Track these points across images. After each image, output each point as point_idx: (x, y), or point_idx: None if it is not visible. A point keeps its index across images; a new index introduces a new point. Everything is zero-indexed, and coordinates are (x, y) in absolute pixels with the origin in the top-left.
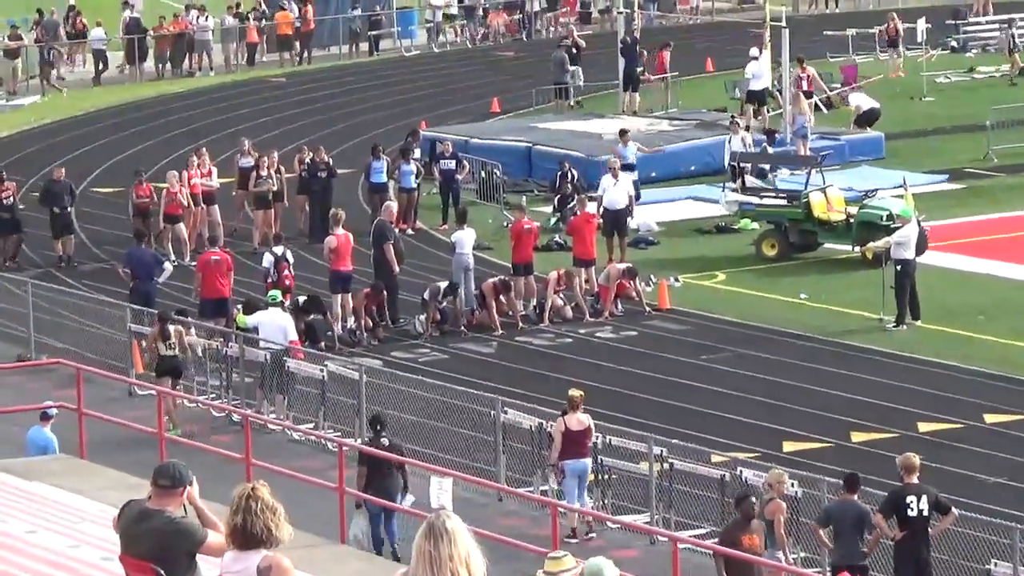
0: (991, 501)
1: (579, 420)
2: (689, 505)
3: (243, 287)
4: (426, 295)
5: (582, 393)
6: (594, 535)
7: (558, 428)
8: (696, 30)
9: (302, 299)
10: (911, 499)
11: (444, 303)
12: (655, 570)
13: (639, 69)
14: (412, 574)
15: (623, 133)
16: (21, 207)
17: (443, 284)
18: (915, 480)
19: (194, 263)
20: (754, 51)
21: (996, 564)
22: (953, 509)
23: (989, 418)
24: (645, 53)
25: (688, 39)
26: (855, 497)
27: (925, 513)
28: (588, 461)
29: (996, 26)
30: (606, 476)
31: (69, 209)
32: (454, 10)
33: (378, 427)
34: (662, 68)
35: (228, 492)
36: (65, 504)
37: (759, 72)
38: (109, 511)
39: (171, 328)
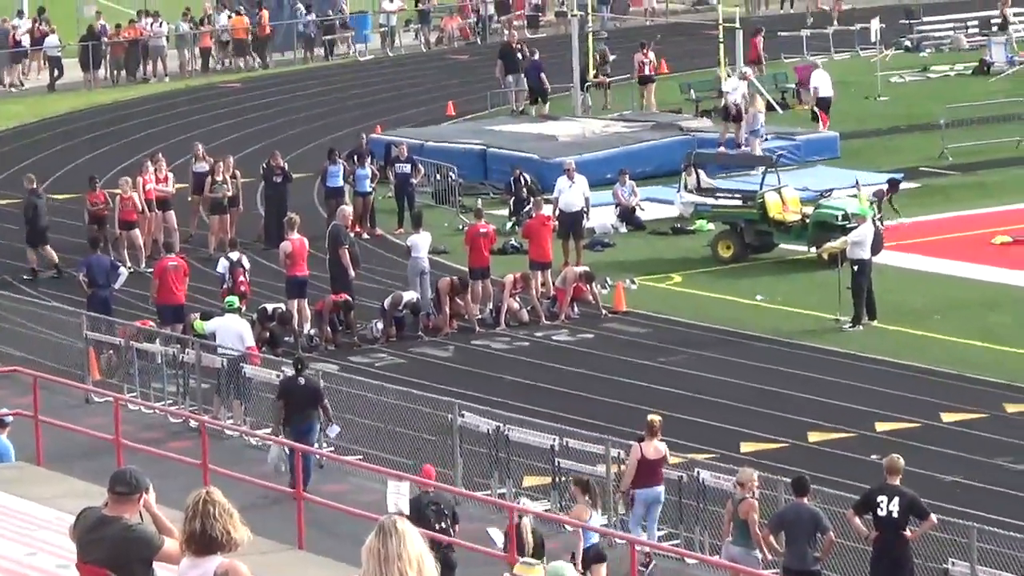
0: (948, 500)
1: (656, 448)
2: None
3: (198, 293)
4: (387, 303)
5: (661, 419)
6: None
7: (633, 455)
8: (650, 32)
9: (271, 307)
10: (882, 499)
11: (403, 312)
12: (611, 572)
13: (592, 73)
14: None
15: (622, 173)
16: None
17: (408, 296)
18: (896, 482)
19: (150, 269)
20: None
21: (953, 563)
22: (932, 516)
23: (946, 417)
24: (615, 54)
25: (642, 41)
26: (806, 500)
27: (895, 515)
28: (661, 488)
29: (950, 26)
30: (562, 479)
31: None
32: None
33: (299, 367)
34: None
35: (185, 498)
36: (21, 512)
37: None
38: (66, 518)
39: None
